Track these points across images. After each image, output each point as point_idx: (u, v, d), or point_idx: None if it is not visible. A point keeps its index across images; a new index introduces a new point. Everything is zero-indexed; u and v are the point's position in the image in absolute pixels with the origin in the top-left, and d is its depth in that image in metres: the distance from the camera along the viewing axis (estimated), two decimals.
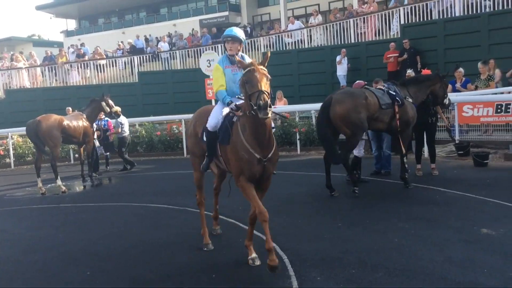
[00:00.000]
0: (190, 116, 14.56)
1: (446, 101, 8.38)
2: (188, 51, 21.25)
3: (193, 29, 27.51)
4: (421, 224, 5.58)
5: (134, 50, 22.83)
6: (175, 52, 21.38)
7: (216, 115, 4.87)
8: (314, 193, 7.80)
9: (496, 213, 5.80)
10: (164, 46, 22.34)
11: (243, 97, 4.45)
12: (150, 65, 21.83)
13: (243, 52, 5.13)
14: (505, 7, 13.75)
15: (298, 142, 12.87)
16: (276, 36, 19.81)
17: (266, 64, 4.38)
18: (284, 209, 6.82)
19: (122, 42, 24.82)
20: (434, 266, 4.29)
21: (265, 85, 4.17)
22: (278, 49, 19.34)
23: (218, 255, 5.09)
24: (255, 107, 4.07)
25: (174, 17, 34.59)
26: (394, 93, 7.53)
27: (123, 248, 5.56)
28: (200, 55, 17.63)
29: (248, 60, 4.74)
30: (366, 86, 7.84)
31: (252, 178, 4.54)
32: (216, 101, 5.19)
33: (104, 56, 22.61)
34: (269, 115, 4.11)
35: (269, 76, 4.28)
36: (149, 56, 21.99)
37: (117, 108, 11.32)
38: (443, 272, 4.15)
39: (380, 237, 5.22)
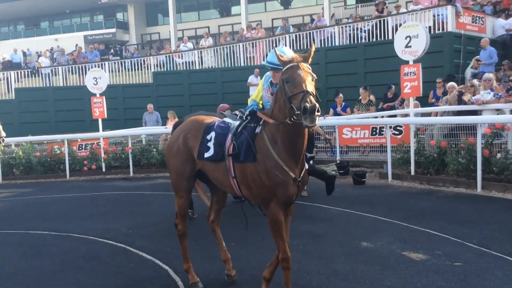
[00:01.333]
0: (74, 136, 14.05)
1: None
2: (71, 67, 20.26)
3: (77, 45, 26.31)
4: (308, 239, 5.86)
5: (10, 65, 21.16)
6: (58, 68, 20.24)
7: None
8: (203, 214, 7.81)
9: (374, 227, 6.29)
10: (44, 61, 21.03)
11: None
12: (28, 81, 20.37)
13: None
14: (378, 39, 15.18)
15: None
16: (166, 56, 19.72)
17: (310, 61, 3.61)
18: (173, 230, 6.72)
19: None
20: (321, 279, 4.54)
21: (310, 86, 3.42)
22: (168, 69, 19.26)
23: (107, 281, 4.86)
24: (298, 112, 3.29)
25: (56, 31, 32.84)
26: None
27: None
28: (85, 72, 16.90)
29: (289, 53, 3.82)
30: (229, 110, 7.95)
31: (286, 204, 3.84)
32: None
33: None
34: (317, 122, 3.31)
35: (314, 75, 3.53)
36: (27, 71, 20.52)
37: None
38: (329, 285, 4.41)
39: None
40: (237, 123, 4.12)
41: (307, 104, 3.21)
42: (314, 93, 3.39)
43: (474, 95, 9.66)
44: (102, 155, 13.28)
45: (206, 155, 4.13)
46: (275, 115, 3.71)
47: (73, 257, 5.74)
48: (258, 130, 3.86)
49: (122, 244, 6.12)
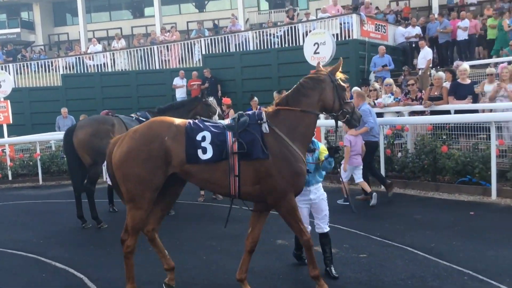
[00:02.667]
0: None
1: (215, 118, 8.38)
2: None
3: None
4: (226, 240, 6.00)
5: None
6: None
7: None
8: (123, 220, 7.70)
9: (288, 226, 6.57)
10: None
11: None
12: None
13: None
14: (290, 45, 15.75)
15: None
16: (76, 58, 18.96)
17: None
18: (89, 239, 6.59)
19: None
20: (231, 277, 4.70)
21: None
22: (79, 72, 18.53)
23: None
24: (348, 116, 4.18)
25: None
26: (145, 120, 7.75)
27: None
28: None
29: None
30: (116, 114, 7.90)
31: (299, 193, 4.18)
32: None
33: None
34: None
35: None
36: None
37: None
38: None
39: (190, 256, 5.46)
40: (230, 122, 4.13)
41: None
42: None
43: (376, 98, 10.37)
44: (8, 162, 12.50)
45: (204, 156, 3.92)
46: (304, 107, 4.10)
47: None
48: (265, 126, 3.98)
49: (33, 255, 5.87)
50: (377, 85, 11.12)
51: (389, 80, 10.75)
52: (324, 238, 4.75)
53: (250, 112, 4.15)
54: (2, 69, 17.09)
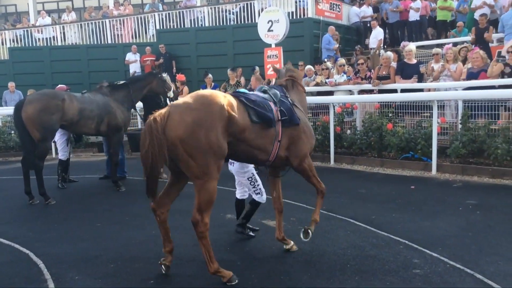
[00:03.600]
0: None
1: (170, 94, 8.48)
2: None
3: None
4: (175, 215, 6.05)
5: None
6: None
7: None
8: (72, 195, 7.63)
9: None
10: None
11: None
12: None
13: None
14: (246, 22, 15.70)
15: None
16: (24, 31, 18.18)
17: None
18: (36, 215, 6.50)
19: None
20: (185, 250, 4.80)
21: None
22: (27, 45, 17.81)
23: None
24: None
25: None
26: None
27: None
28: None
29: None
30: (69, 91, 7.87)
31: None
32: None
33: None
34: None
35: None
36: None
37: None
38: (193, 254, 4.68)
39: (139, 232, 5.51)
40: (270, 93, 4.56)
41: None
42: None
43: (327, 77, 10.58)
44: None
45: (261, 120, 4.18)
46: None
47: None
48: (289, 98, 4.64)
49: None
50: (329, 64, 11.32)
51: (342, 61, 10.97)
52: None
53: (274, 86, 4.78)
54: None
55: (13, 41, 18.10)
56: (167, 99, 8.38)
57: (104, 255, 4.77)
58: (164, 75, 8.62)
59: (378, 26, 14.16)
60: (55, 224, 6.04)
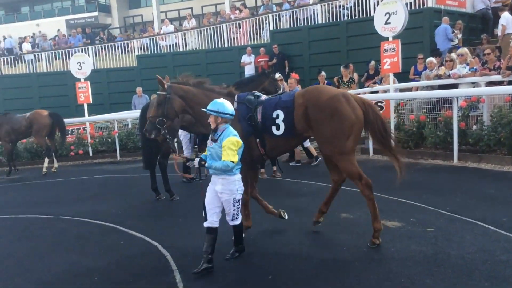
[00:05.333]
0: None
1: None
2: (54, 53, 20.13)
3: (58, 29, 26.09)
4: (291, 213, 6.09)
5: (8, 51, 21.07)
6: (41, 54, 20.10)
7: None
8: (189, 194, 8.07)
9: (353, 200, 6.52)
10: (27, 47, 20.87)
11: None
12: (11, 68, 20.24)
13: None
14: (360, 16, 15.30)
15: None
16: (150, 39, 19.67)
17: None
18: (163, 210, 6.98)
19: None
20: (302, 248, 4.80)
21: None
22: (152, 52, 19.24)
23: (99, 259, 5.07)
24: None
25: (37, 16, 32.46)
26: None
27: None
28: (69, 57, 16.86)
29: None
30: None
31: None
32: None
33: None
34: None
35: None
36: (10, 58, 20.35)
37: None
38: (309, 253, 4.67)
39: (255, 228, 5.63)
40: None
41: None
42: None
43: (451, 69, 9.90)
44: (89, 140, 13.38)
45: None
46: None
47: (65, 238, 5.94)
48: None
49: (112, 224, 6.33)
50: (453, 55, 10.59)
51: (463, 50, 10.19)
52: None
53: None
54: (82, 51, 18.15)
55: (140, 49, 19.66)
56: None
57: (224, 250, 4.94)
58: (277, 75, 8.74)
59: (506, 12, 12.89)
60: (179, 218, 6.42)
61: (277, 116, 4.87)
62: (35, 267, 4.94)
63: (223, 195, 4.35)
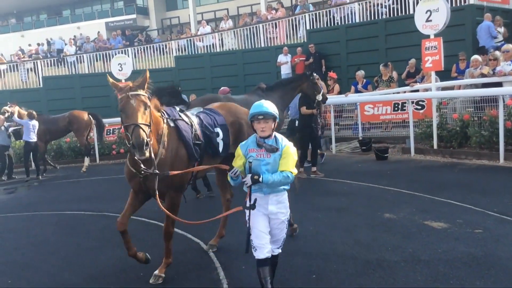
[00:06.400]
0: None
1: (319, 97, 8.33)
2: (96, 54, 20.67)
3: (98, 32, 26.76)
4: (332, 213, 6.07)
5: (58, 52, 21.88)
6: (83, 56, 20.67)
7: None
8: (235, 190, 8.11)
9: (396, 200, 6.46)
10: (69, 49, 21.50)
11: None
12: (54, 70, 20.89)
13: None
14: (399, 14, 15.04)
15: None
16: (187, 40, 19.92)
17: (146, 86, 3.91)
18: (204, 208, 7.06)
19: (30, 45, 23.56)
20: (345, 248, 4.75)
21: (142, 116, 3.68)
22: (190, 53, 19.48)
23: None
24: (131, 142, 3.62)
25: (78, 19, 33.34)
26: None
27: (42, 256, 5.44)
28: (110, 59, 17.26)
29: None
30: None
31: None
32: None
33: (4, 61, 21.27)
34: (146, 155, 3.64)
35: (148, 103, 3.82)
36: (53, 60, 21.01)
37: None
38: (353, 253, 4.62)
39: (298, 227, 5.61)
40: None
41: (135, 140, 3.57)
42: (147, 123, 3.71)
43: (495, 68, 9.60)
44: None
45: None
46: None
47: (109, 234, 6.08)
48: None
49: (155, 221, 6.43)
50: (497, 53, 10.26)
51: (509, 46, 9.86)
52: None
53: None
54: (122, 53, 18.55)
55: (178, 50, 19.93)
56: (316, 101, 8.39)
57: None
58: (317, 77, 8.68)
59: None
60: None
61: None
62: (82, 262, 5.08)
63: (278, 216, 3.57)
